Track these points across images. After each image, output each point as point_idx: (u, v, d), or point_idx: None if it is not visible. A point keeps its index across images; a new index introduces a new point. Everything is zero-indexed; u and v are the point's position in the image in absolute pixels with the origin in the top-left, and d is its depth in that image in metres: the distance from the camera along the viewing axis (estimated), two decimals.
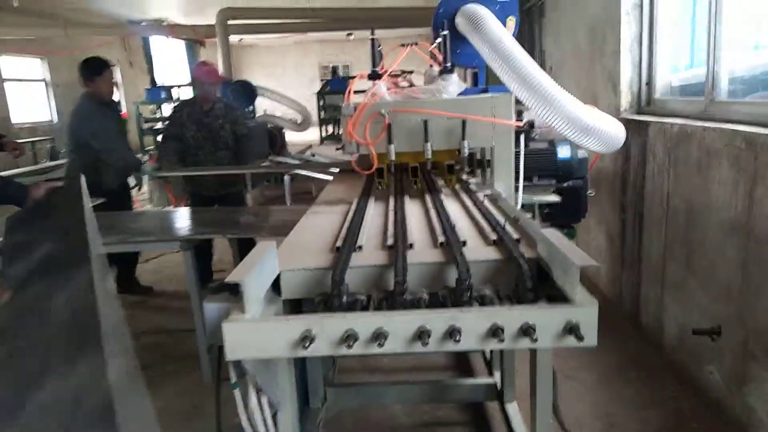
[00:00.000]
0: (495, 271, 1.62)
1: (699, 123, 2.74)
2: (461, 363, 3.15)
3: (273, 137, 8.60)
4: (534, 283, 1.45)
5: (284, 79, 21.53)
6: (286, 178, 5.94)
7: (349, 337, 1.27)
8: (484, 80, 3.76)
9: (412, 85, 2.87)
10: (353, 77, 2.66)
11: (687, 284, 2.86)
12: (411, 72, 3.82)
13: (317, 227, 2.04)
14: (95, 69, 4.23)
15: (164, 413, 2.83)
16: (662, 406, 2.65)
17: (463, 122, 2.41)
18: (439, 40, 2.52)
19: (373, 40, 2.64)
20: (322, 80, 20.67)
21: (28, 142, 11.68)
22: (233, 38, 11.88)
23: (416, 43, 2.85)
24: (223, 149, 4.47)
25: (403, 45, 2.91)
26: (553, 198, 2.92)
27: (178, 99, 11.41)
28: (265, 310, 1.53)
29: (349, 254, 1.66)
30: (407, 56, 2.89)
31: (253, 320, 1.30)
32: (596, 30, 4.08)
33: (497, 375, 2.64)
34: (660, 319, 3.19)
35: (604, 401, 2.71)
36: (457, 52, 3.44)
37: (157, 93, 11.76)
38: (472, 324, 1.29)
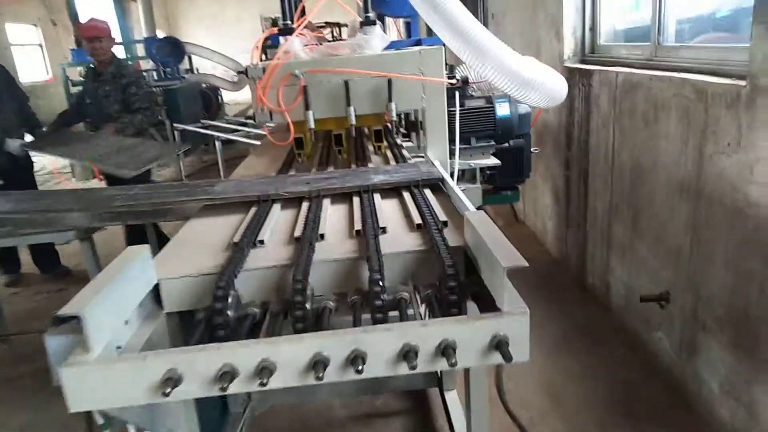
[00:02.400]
0: (418, 263, 1.38)
1: (645, 71, 2.52)
2: None
3: (207, 99, 8.06)
4: (458, 282, 1.21)
5: (223, 33, 20.48)
6: (218, 143, 5.52)
7: (225, 375, 1.01)
8: (417, 31, 3.44)
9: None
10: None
11: (634, 246, 2.70)
12: (337, 24, 3.46)
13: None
14: None
15: None
16: (611, 375, 2.52)
17: (389, 81, 2.14)
18: None
19: None
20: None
21: None
22: None
23: None
24: (108, 122, 3.76)
25: None
26: (493, 161, 2.69)
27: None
28: (141, 329, 1.26)
29: (243, 254, 1.39)
30: (337, 7, 2.54)
31: (97, 362, 1.02)
32: None
33: None
34: (607, 282, 3.05)
35: (551, 375, 2.57)
36: (387, 0, 3.11)
37: (84, 54, 10.81)
38: (379, 347, 1.05)
